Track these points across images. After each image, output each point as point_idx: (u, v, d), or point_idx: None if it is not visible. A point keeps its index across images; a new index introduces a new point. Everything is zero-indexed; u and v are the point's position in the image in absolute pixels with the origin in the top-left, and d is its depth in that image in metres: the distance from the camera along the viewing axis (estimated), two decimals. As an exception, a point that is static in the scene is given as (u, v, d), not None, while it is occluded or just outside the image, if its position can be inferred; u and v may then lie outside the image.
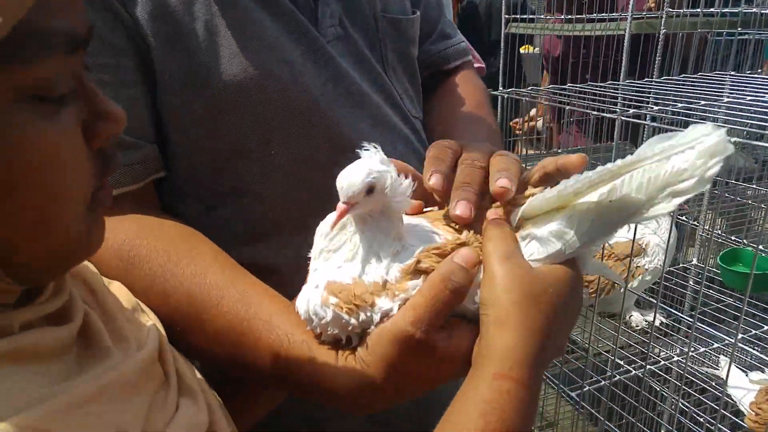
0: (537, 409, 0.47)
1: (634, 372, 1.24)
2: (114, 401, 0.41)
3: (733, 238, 1.49)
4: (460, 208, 0.53)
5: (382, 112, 0.78)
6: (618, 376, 1.26)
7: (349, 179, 0.50)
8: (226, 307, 0.58)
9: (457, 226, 0.54)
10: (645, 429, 1.30)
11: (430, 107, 0.93)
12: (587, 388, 1.31)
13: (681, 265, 1.63)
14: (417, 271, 0.51)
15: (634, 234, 1.24)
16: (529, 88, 1.33)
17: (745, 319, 1.31)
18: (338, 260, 0.53)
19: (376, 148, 0.52)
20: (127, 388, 0.43)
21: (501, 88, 1.37)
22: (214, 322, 0.58)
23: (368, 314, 0.50)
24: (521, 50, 3.06)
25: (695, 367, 1.23)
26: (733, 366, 1.14)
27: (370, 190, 0.50)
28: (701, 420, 1.12)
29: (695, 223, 1.56)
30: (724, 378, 1.13)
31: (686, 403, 1.21)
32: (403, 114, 0.82)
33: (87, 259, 0.48)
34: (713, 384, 1.20)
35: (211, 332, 0.58)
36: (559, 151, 2.23)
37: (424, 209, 0.60)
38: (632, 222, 0.48)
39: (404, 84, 0.84)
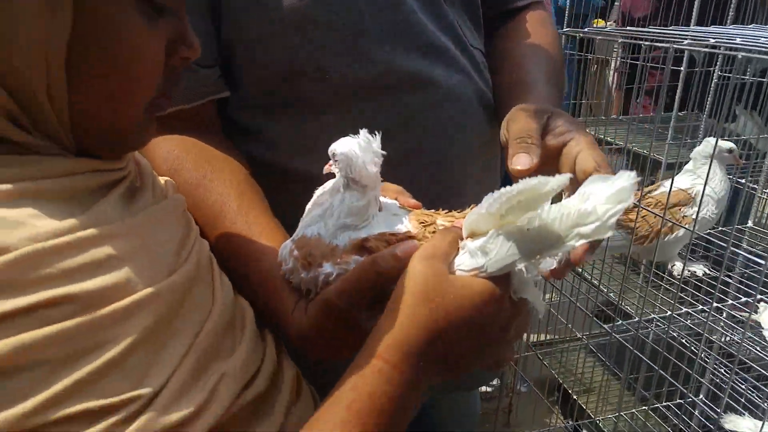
0: (413, 398, 0.49)
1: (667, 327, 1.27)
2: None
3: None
4: (520, 161, 0.57)
5: (437, 41, 0.78)
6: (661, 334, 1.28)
7: (341, 142, 0.57)
8: (234, 230, 0.66)
9: (425, 223, 0.58)
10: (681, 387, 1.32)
11: (498, 43, 0.93)
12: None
13: (735, 226, 1.61)
14: (363, 248, 0.56)
15: (670, 185, 1.25)
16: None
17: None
18: (316, 215, 0.59)
19: (375, 135, 0.57)
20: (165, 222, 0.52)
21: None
22: (222, 238, 0.66)
23: (315, 273, 0.56)
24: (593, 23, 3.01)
25: (736, 314, 1.25)
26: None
27: (333, 157, 0.57)
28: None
29: (754, 186, 1.55)
30: (763, 322, 1.15)
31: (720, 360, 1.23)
32: (462, 44, 0.82)
33: (138, 150, 0.56)
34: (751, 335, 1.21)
35: (220, 244, 0.65)
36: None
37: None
38: (551, 254, 0.48)
39: (463, 15, 0.85)
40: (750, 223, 1.59)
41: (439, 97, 0.78)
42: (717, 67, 1.55)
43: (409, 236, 0.56)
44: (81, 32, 0.43)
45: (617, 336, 1.28)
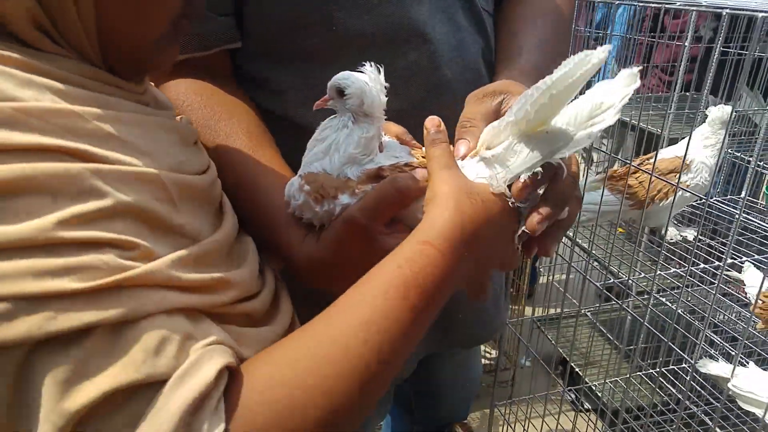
0: (450, 285, 0.51)
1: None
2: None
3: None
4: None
5: (446, 1, 0.80)
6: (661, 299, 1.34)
7: (334, 77, 0.60)
8: (241, 169, 0.67)
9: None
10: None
11: (505, 4, 0.93)
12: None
13: (729, 196, 1.67)
14: (378, 177, 0.58)
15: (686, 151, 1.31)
16: None
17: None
18: (319, 151, 0.61)
19: (372, 68, 0.60)
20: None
21: None
22: (229, 177, 0.65)
23: (331, 205, 0.58)
24: None
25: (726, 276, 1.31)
26: (752, 269, 1.21)
27: (340, 92, 0.59)
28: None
29: (749, 158, 1.60)
30: (744, 280, 1.21)
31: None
32: (471, 3, 0.84)
33: (160, 71, 0.57)
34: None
35: (228, 183, 0.65)
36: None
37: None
38: (569, 150, 0.51)
39: None
40: (743, 194, 1.64)
41: (444, 54, 0.79)
42: (719, 42, 1.60)
43: (420, 165, 0.59)
44: None
45: (629, 310, 1.34)
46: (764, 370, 1.03)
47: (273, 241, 0.62)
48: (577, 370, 2.15)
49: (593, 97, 0.50)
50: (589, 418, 2.08)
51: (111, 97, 0.46)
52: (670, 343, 1.09)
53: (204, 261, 0.45)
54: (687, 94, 2.09)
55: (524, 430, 1.89)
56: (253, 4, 0.74)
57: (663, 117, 1.93)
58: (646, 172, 1.31)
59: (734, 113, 1.78)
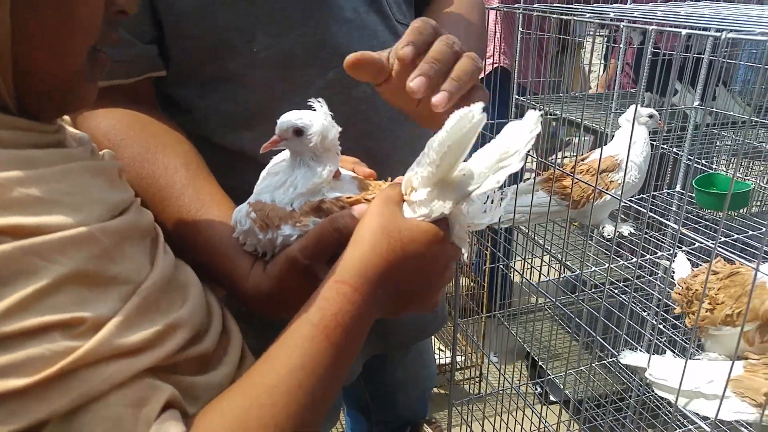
0: (370, 319, 0.55)
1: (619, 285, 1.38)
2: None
3: (703, 161, 1.61)
4: (417, 83, 0.56)
5: (363, 17, 0.81)
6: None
7: (285, 118, 0.61)
8: (183, 201, 0.67)
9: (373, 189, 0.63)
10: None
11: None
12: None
13: (665, 190, 1.74)
14: (319, 209, 0.61)
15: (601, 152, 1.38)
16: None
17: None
18: (271, 184, 0.63)
19: (321, 104, 0.62)
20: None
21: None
22: (171, 210, 0.67)
23: (274, 234, 0.60)
24: None
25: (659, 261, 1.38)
26: (681, 258, 1.28)
27: (298, 132, 0.60)
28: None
29: (678, 151, 1.68)
30: (672, 267, 1.28)
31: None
32: (388, 20, 0.85)
33: (82, 107, 0.54)
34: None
35: (167, 218, 0.67)
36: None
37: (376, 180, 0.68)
38: (481, 191, 0.55)
39: None
40: (678, 188, 1.71)
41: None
42: (650, 43, 1.67)
43: (363, 200, 0.61)
44: None
45: (584, 305, 1.40)
46: (681, 356, 1.10)
47: (219, 271, 0.63)
48: (540, 363, 2.22)
49: (501, 142, 0.54)
50: (549, 410, 2.14)
51: (32, 150, 0.44)
52: (624, 336, 1.15)
53: (148, 308, 0.46)
54: (628, 91, 2.17)
55: (493, 427, 1.94)
56: (172, 28, 0.74)
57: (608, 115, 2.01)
58: (569, 174, 1.38)
59: (668, 109, 1.85)
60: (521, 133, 0.54)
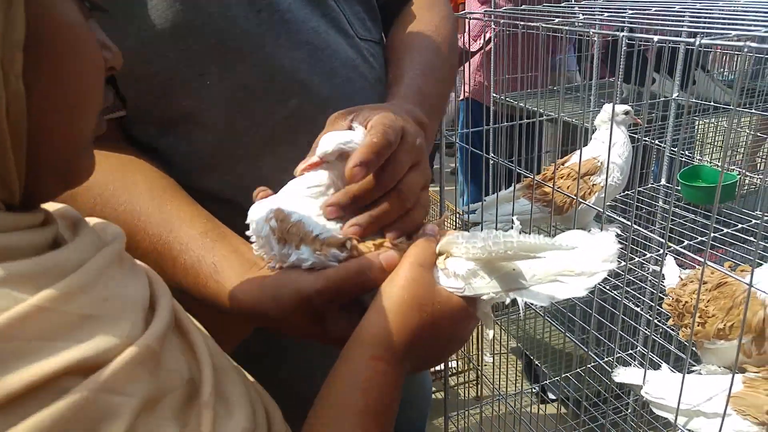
0: (401, 385, 0.54)
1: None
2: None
3: (687, 153, 1.57)
4: (350, 231, 0.57)
5: (323, 38, 0.77)
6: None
7: (328, 139, 0.57)
8: (151, 231, 0.64)
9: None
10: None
11: (390, 35, 0.92)
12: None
13: (650, 185, 1.70)
14: (343, 245, 0.56)
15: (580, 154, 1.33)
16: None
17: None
18: (302, 194, 0.59)
19: (359, 126, 0.58)
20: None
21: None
22: (141, 244, 0.64)
23: (289, 252, 0.56)
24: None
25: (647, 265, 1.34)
26: (671, 262, 1.24)
27: (343, 156, 0.56)
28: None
29: (660, 143, 1.64)
30: (663, 274, 1.24)
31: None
32: (350, 38, 0.81)
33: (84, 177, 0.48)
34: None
35: (139, 253, 0.64)
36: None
37: None
38: (514, 293, 0.53)
39: (354, 6, 0.84)
40: (663, 181, 1.67)
41: (327, 95, 0.76)
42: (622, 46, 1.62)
43: (392, 246, 0.57)
44: (34, 32, 0.35)
45: (577, 301, 1.36)
46: (678, 371, 1.07)
47: (204, 294, 0.62)
48: (536, 362, 2.19)
49: (569, 259, 0.51)
50: (544, 408, 2.12)
51: (53, 253, 0.37)
52: (620, 332, 1.11)
53: (217, 416, 0.41)
54: (606, 81, 2.13)
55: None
56: (122, 69, 0.70)
57: (587, 109, 1.97)
58: (546, 185, 1.34)
59: (647, 101, 1.81)
60: (594, 257, 0.50)
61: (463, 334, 0.58)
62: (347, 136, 0.57)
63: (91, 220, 0.51)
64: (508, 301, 0.53)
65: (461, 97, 2.59)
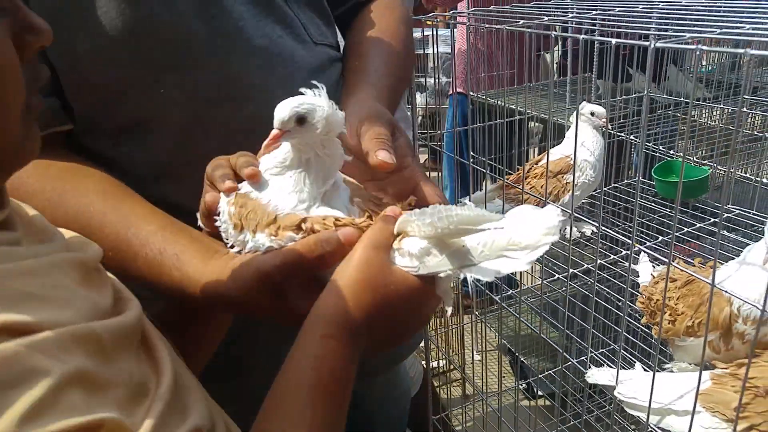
0: (356, 363, 0.55)
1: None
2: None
3: (662, 148, 1.58)
4: (383, 155, 0.60)
5: (277, 44, 0.77)
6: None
7: (282, 105, 0.56)
8: (108, 230, 0.64)
9: (373, 208, 0.61)
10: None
11: (347, 40, 0.93)
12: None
13: (626, 180, 1.71)
14: (298, 227, 0.57)
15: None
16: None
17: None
18: (268, 173, 0.60)
19: (320, 88, 0.58)
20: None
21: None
22: (99, 243, 0.60)
23: (246, 238, 0.57)
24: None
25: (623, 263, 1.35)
26: (645, 260, 1.25)
27: (301, 120, 0.56)
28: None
29: (635, 138, 1.64)
30: (640, 272, 1.25)
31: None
32: (305, 43, 0.82)
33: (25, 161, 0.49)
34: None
35: (104, 251, 0.65)
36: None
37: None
38: (474, 268, 0.53)
39: (307, 11, 0.84)
40: (639, 177, 1.68)
41: (278, 102, 0.76)
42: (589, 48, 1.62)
43: (351, 224, 0.57)
44: None
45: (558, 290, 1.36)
46: (649, 370, 1.07)
47: (168, 286, 0.62)
48: (522, 359, 2.19)
49: (513, 231, 0.51)
50: (529, 405, 2.13)
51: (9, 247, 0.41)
52: (593, 330, 1.11)
53: (170, 414, 0.44)
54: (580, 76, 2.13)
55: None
56: (70, 76, 0.69)
57: (563, 105, 1.97)
58: (516, 186, 1.34)
59: (622, 97, 1.82)
60: (536, 230, 0.51)
61: (423, 312, 0.58)
62: (298, 99, 0.56)
63: (67, 233, 0.55)
64: (461, 277, 0.54)
65: (450, 92, 2.59)
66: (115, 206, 0.66)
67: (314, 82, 0.58)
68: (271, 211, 0.57)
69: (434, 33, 1.29)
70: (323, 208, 0.59)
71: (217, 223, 0.60)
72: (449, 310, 0.60)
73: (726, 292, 0.91)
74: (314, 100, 0.57)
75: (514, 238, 0.51)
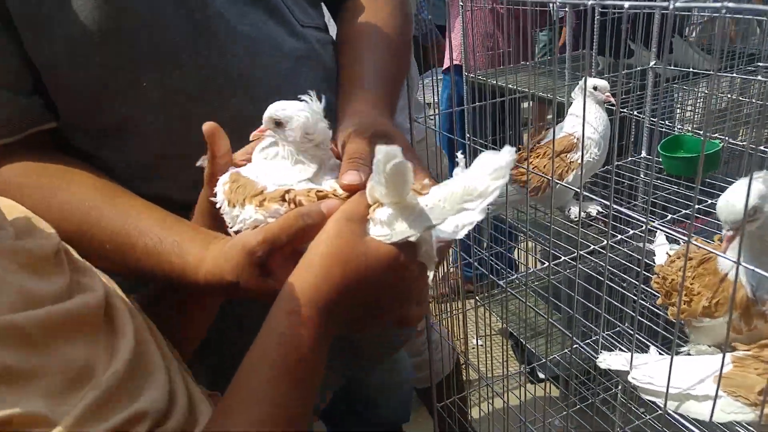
0: (325, 347, 0.53)
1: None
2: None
3: (667, 123, 1.52)
4: (347, 177, 0.58)
5: (262, 30, 0.75)
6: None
7: (270, 107, 0.60)
8: (105, 223, 0.64)
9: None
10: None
11: (338, 28, 0.90)
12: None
13: (631, 158, 1.66)
14: (283, 199, 0.57)
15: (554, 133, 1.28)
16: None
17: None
18: (259, 158, 0.62)
19: (311, 95, 0.60)
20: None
21: None
22: (96, 237, 0.64)
23: (236, 213, 0.59)
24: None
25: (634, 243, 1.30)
26: (661, 239, 1.20)
27: (278, 124, 0.59)
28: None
29: (640, 115, 1.59)
30: (656, 251, 1.20)
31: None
32: (291, 26, 0.79)
33: None
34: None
35: (96, 247, 0.64)
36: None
37: None
38: (434, 232, 0.52)
39: None
40: (644, 154, 1.63)
41: (267, 93, 0.74)
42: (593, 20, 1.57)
43: (334, 194, 0.57)
44: None
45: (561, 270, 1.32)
46: (665, 353, 1.03)
47: (168, 274, 0.62)
48: (524, 342, 2.15)
49: (467, 179, 0.49)
50: (534, 389, 2.10)
51: None
52: (621, 302, 1.07)
53: (109, 401, 0.44)
54: (579, 53, 2.07)
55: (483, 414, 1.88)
56: (49, 76, 0.68)
57: (563, 83, 1.92)
58: (521, 167, 1.29)
59: (623, 72, 1.76)
60: (485, 175, 0.48)
61: (405, 282, 0.54)
62: (282, 105, 0.60)
63: (25, 222, 0.55)
64: (434, 239, 0.53)
65: (446, 65, 2.52)
66: (110, 200, 0.66)
67: (309, 92, 0.60)
68: (258, 186, 0.59)
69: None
70: (311, 184, 0.60)
71: (217, 205, 0.61)
72: (431, 274, 0.57)
73: (749, 268, 0.86)
74: (296, 109, 0.59)
75: (467, 186, 0.49)
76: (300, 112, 0.58)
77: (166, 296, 0.68)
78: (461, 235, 0.50)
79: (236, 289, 0.58)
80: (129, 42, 0.67)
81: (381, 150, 0.47)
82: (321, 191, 0.58)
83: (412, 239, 0.52)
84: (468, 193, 0.49)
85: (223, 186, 0.60)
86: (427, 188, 0.55)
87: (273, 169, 0.61)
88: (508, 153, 0.48)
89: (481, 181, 0.48)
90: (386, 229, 0.53)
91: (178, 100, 0.71)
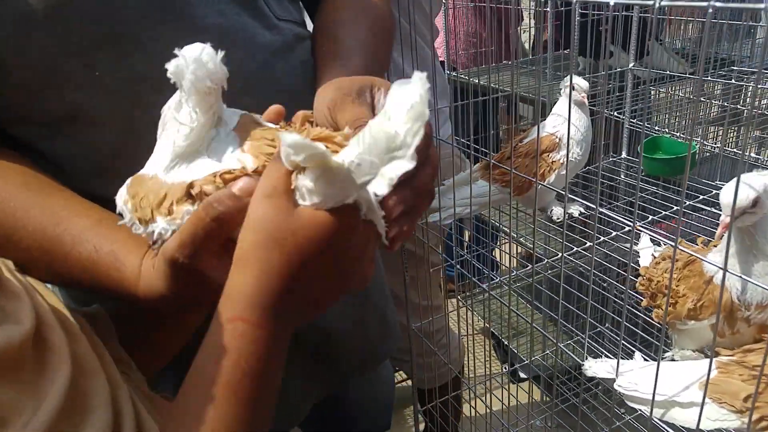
0: (282, 347, 0.47)
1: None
2: None
3: (646, 124, 1.52)
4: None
5: (232, 20, 0.71)
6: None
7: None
8: (32, 227, 0.58)
9: (270, 151, 0.52)
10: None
11: (317, 17, 0.86)
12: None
13: (611, 159, 1.65)
14: (189, 195, 0.50)
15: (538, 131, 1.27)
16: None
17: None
18: (160, 143, 0.53)
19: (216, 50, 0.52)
20: None
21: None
22: (22, 243, 0.58)
23: (151, 230, 0.51)
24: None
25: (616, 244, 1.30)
26: (645, 240, 1.19)
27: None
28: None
29: (619, 116, 1.58)
30: (641, 253, 1.19)
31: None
32: (266, 18, 0.75)
33: None
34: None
35: (22, 251, 0.58)
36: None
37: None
38: (376, 179, 0.44)
39: None
40: (624, 154, 1.63)
41: (237, 87, 0.65)
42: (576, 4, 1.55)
43: (244, 173, 0.50)
44: None
45: (542, 272, 1.30)
46: (650, 359, 1.02)
47: (106, 286, 0.57)
48: (505, 342, 2.15)
49: (388, 121, 0.42)
50: (516, 389, 2.10)
51: None
52: (601, 303, 1.05)
53: None
54: (561, 53, 2.07)
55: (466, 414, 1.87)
56: None
57: (545, 83, 1.91)
58: (503, 167, 1.28)
59: (606, 72, 1.75)
60: (402, 116, 0.41)
61: (355, 247, 0.48)
62: (188, 47, 0.52)
63: None
64: (372, 197, 0.46)
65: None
66: (40, 201, 0.59)
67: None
68: (160, 189, 0.51)
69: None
70: (205, 160, 0.52)
71: (128, 226, 0.53)
72: (383, 233, 0.50)
73: (734, 274, 0.85)
74: (191, 49, 0.51)
75: (388, 132, 0.42)
76: (193, 50, 0.51)
77: (136, 311, 0.61)
78: (390, 187, 0.42)
79: (173, 301, 0.53)
80: (80, 23, 0.62)
81: (285, 140, 0.41)
82: (228, 172, 0.50)
83: (348, 201, 0.45)
84: (391, 140, 0.42)
85: (124, 204, 0.52)
86: (348, 138, 0.48)
87: (156, 152, 0.54)
88: (419, 81, 0.42)
89: (400, 125, 0.41)
90: (315, 197, 0.45)
91: (136, 89, 0.65)
